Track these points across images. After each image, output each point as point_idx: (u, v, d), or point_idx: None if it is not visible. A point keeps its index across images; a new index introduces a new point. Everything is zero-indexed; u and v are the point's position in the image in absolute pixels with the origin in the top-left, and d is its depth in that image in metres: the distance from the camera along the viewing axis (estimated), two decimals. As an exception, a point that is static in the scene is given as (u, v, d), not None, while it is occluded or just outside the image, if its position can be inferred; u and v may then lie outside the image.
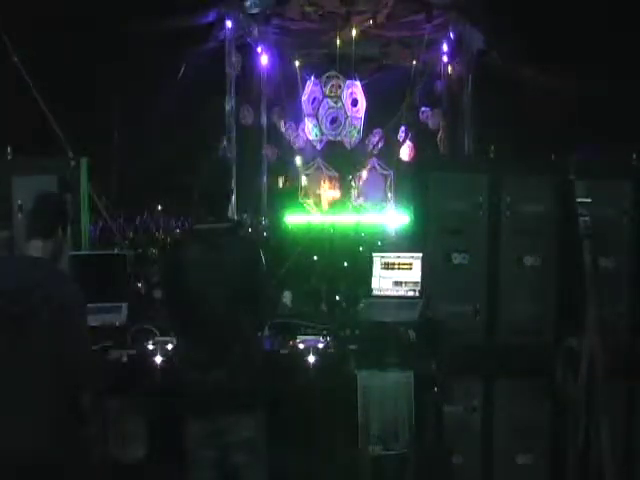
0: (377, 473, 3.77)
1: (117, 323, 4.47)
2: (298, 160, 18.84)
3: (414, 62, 18.04)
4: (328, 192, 18.97)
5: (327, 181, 19.08)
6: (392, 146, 19.35)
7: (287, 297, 6.36)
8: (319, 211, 18.26)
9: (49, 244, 2.98)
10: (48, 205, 3.08)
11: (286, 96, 18.97)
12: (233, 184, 15.01)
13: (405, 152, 18.86)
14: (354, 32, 17.10)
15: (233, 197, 15.19)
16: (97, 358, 3.41)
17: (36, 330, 2.80)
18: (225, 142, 16.55)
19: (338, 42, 17.51)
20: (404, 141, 19.04)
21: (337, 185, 19.10)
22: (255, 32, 17.54)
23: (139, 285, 6.80)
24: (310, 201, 18.67)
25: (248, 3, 16.25)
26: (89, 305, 3.07)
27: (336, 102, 19.16)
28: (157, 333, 4.50)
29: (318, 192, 18.93)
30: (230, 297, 3.27)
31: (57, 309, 2.82)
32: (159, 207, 17.94)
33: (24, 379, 2.80)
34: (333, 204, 18.71)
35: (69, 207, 3.28)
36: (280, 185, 19.64)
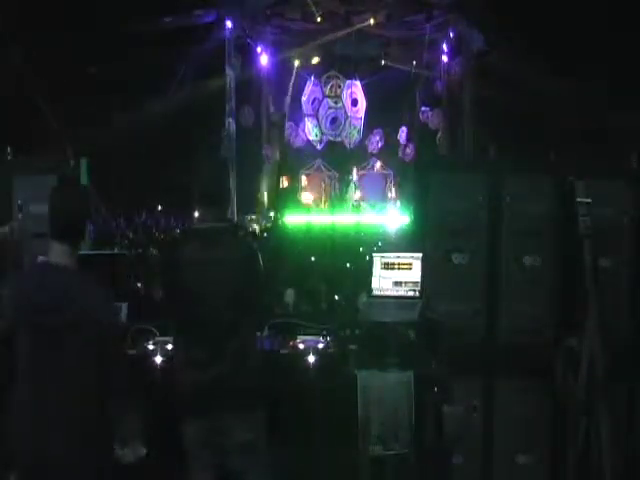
0: (377, 473, 3.77)
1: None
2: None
3: (414, 62, 18.05)
4: (328, 193, 18.98)
5: (327, 181, 19.10)
6: (392, 146, 19.36)
7: (290, 295, 6.36)
8: (319, 211, 18.26)
9: (75, 250, 2.92)
10: (81, 211, 2.98)
11: (286, 96, 18.98)
12: (233, 184, 15.04)
13: (406, 153, 18.88)
14: (354, 32, 17.10)
15: (234, 197, 15.23)
16: (127, 370, 3.45)
17: (70, 344, 2.81)
18: (225, 134, 16.52)
19: (338, 42, 17.53)
20: (405, 141, 19.05)
21: (336, 185, 19.13)
22: (255, 32, 17.55)
23: (139, 285, 6.80)
24: (310, 200, 18.70)
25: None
26: None
27: (336, 102, 19.18)
28: (157, 333, 4.50)
29: (318, 191, 18.95)
30: (228, 296, 3.27)
31: (92, 324, 2.83)
32: (159, 207, 17.95)
33: (58, 389, 2.84)
34: (333, 204, 18.71)
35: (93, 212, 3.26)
36: (280, 185, 19.64)
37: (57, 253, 2.89)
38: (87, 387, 2.85)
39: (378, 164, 19.27)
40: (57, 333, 2.81)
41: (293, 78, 18.68)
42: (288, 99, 18.64)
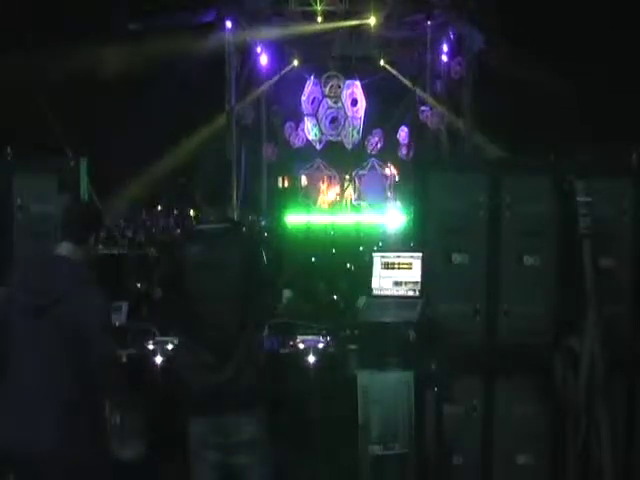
0: (377, 473, 3.77)
1: (117, 323, 4.47)
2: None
3: (414, 62, 18.06)
4: (328, 193, 18.98)
5: (326, 181, 19.10)
6: (392, 146, 19.37)
7: (290, 295, 6.36)
8: (319, 211, 18.26)
9: (80, 249, 3.08)
10: (86, 213, 3.23)
11: (286, 96, 18.99)
12: (234, 184, 15.06)
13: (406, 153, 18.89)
14: (354, 32, 17.11)
15: (234, 197, 15.24)
16: (114, 361, 3.47)
17: (53, 329, 2.90)
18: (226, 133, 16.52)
19: (338, 42, 17.53)
20: (405, 141, 19.05)
21: (337, 184, 19.13)
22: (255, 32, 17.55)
23: (139, 285, 6.80)
24: (309, 200, 18.70)
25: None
26: None
27: (336, 102, 19.18)
28: (157, 333, 4.50)
29: (317, 191, 18.96)
30: (233, 297, 3.27)
31: (74, 310, 2.91)
32: (159, 207, 17.95)
33: (42, 375, 2.91)
34: (333, 204, 18.72)
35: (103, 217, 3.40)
36: (280, 185, 19.65)
37: (63, 248, 3.06)
38: (70, 380, 2.90)
39: (378, 164, 19.28)
40: (39, 317, 2.88)
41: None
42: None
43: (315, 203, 18.73)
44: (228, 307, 3.25)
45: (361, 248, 10.62)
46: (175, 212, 17.44)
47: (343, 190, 19.04)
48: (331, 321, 4.88)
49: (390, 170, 19.07)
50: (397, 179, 18.77)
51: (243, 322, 3.29)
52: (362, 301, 4.31)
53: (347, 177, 18.98)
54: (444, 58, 17.74)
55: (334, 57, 18.56)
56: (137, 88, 14.57)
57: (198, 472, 3.32)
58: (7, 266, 3.68)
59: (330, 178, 19.22)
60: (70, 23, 13.52)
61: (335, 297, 7.00)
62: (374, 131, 19.31)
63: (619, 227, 4.25)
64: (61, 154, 5.25)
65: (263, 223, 16.57)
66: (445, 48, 17.59)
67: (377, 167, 19.38)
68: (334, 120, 19.28)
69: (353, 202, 18.74)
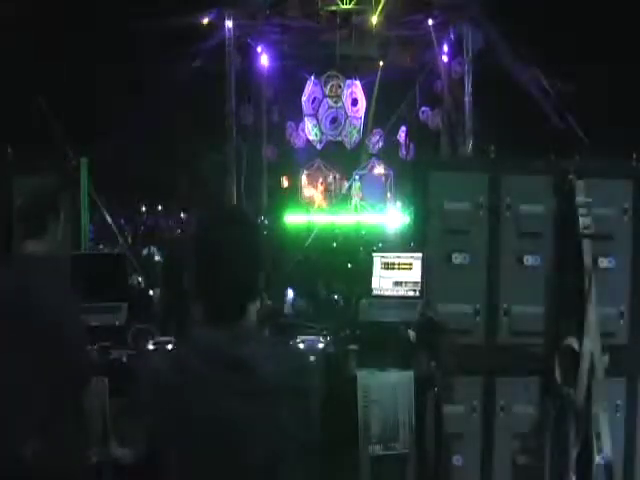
0: (377, 473, 3.77)
1: (117, 323, 4.47)
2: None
3: (414, 62, 18.06)
4: (325, 193, 18.98)
5: (323, 181, 19.10)
6: (392, 146, 19.37)
7: (290, 295, 6.37)
8: (319, 211, 18.26)
9: (43, 244, 2.90)
10: (38, 202, 2.98)
11: (286, 96, 18.99)
12: (233, 184, 15.05)
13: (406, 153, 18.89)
14: (354, 31, 17.10)
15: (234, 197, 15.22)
16: (90, 361, 3.34)
17: (24, 332, 2.76)
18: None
19: (338, 42, 17.52)
20: (404, 141, 19.05)
21: (337, 185, 19.12)
22: (255, 32, 17.55)
23: (139, 285, 6.80)
24: (307, 199, 18.71)
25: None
26: (90, 305, 3.04)
27: (336, 102, 19.17)
28: (157, 333, 4.50)
29: (314, 190, 18.96)
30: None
31: (45, 311, 2.78)
32: (159, 207, 17.95)
33: (15, 380, 2.77)
34: (328, 200, 18.71)
35: (62, 201, 3.08)
36: (280, 185, 19.66)
37: (26, 247, 2.89)
38: (45, 384, 2.76)
39: (378, 164, 19.27)
40: (9, 320, 2.76)
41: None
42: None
43: (312, 201, 18.72)
44: None
45: (361, 248, 10.63)
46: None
47: (344, 190, 19.03)
48: (331, 321, 4.87)
49: (387, 171, 19.06)
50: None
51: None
52: (362, 301, 4.32)
53: (349, 177, 18.97)
54: (444, 58, 17.72)
55: (334, 57, 18.55)
56: (137, 88, 14.57)
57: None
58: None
59: (329, 178, 19.21)
60: (72, 23, 13.53)
61: (335, 297, 7.01)
62: (374, 131, 19.31)
63: (619, 227, 4.25)
64: (61, 154, 5.24)
65: (265, 222, 16.56)
66: (445, 48, 17.58)
67: (377, 167, 19.37)
68: (334, 120, 19.27)
69: (354, 202, 18.74)
